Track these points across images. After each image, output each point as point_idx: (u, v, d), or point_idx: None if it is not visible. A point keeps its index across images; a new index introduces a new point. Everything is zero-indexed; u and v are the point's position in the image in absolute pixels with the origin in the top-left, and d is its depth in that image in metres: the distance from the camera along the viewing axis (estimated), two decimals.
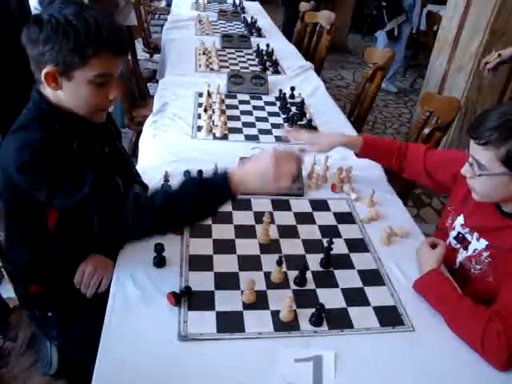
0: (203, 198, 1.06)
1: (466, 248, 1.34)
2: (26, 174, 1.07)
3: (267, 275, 1.24)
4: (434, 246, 1.33)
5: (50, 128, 1.11)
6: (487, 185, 1.20)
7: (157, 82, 3.50)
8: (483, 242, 1.29)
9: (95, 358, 0.98)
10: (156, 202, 1.06)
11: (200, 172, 1.33)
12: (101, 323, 1.06)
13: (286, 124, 2.12)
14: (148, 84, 3.65)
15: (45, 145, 1.07)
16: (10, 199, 1.21)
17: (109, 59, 1.11)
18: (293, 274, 1.25)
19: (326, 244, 1.29)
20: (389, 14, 5.06)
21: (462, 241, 1.35)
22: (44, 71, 1.08)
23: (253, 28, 3.64)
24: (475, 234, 1.32)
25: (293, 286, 1.22)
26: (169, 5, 5.26)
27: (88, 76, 1.10)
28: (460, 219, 1.38)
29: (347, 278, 1.25)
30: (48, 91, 1.14)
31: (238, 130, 2.02)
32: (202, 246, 1.31)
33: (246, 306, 1.14)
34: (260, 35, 3.54)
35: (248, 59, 2.97)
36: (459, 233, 1.37)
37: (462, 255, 1.35)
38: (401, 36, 5.20)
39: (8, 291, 1.52)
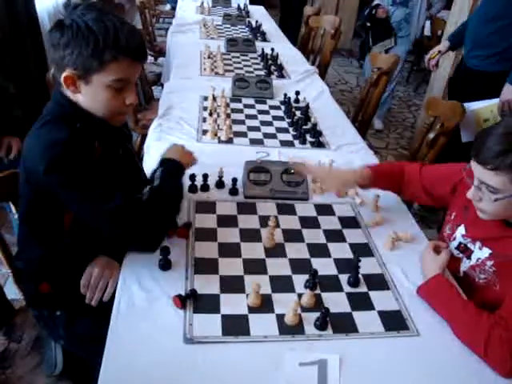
0: (174, 175, 1.30)
1: (468, 257, 1.33)
2: (53, 174, 1.09)
3: (272, 279, 1.24)
4: (437, 250, 1.33)
5: (73, 126, 1.14)
6: (500, 206, 1.17)
7: (161, 85, 3.52)
8: (486, 251, 1.28)
9: (101, 358, 0.99)
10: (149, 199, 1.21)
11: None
12: (108, 323, 1.07)
13: (290, 128, 2.13)
14: (152, 87, 3.66)
15: (70, 144, 1.10)
16: (29, 197, 1.22)
17: (127, 65, 1.14)
18: (298, 278, 1.25)
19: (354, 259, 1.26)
20: (374, 36, 4.27)
21: (465, 250, 1.35)
22: (63, 75, 1.12)
23: (257, 32, 3.66)
24: (478, 243, 1.31)
25: (299, 290, 1.22)
26: (173, 8, 5.29)
27: (106, 80, 1.13)
28: (461, 229, 1.37)
29: (352, 283, 1.26)
30: (68, 93, 1.17)
31: (242, 134, 2.03)
32: (207, 250, 1.32)
33: (251, 310, 1.14)
34: (265, 39, 3.55)
35: (253, 63, 2.98)
36: (461, 243, 1.36)
37: (465, 264, 1.34)
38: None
39: (12, 293, 1.54)
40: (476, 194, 1.20)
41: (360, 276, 1.26)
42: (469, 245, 1.34)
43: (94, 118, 1.19)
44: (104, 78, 1.13)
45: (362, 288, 1.25)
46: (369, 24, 4.24)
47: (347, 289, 1.24)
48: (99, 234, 1.19)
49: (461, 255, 1.36)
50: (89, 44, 1.08)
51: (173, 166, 1.32)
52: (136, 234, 1.17)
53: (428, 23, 5.38)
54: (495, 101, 2.42)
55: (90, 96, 1.16)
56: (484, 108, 2.41)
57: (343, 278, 1.27)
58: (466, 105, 2.37)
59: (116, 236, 1.19)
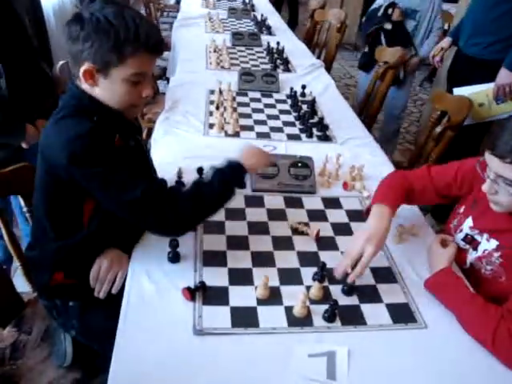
0: (226, 173, 1.22)
1: (475, 248, 1.34)
2: (78, 165, 1.10)
3: (280, 271, 1.25)
4: (444, 243, 1.33)
5: (92, 119, 1.15)
6: None
7: (166, 79, 3.52)
8: (494, 243, 1.29)
9: (113, 349, 1.00)
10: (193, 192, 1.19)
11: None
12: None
13: (297, 122, 2.13)
14: (158, 81, 3.66)
15: (93, 136, 1.11)
16: (49, 190, 1.23)
17: (145, 59, 1.15)
18: (306, 271, 1.26)
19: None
20: (388, 44, 3.11)
21: (471, 241, 1.35)
22: (82, 68, 1.12)
23: (263, 26, 3.65)
24: (485, 235, 1.31)
25: (307, 283, 1.23)
26: (178, 2, 5.27)
27: (124, 74, 1.14)
28: (468, 221, 1.37)
29: (360, 276, 1.26)
30: (85, 86, 1.18)
31: (249, 128, 2.03)
32: (215, 242, 1.33)
33: (260, 302, 1.15)
34: (270, 33, 3.54)
35: (258, 57, 2.98)
36: (467, 234, 1.36)
37: (471, 256, 1.35)
38: (406, 78, 3.37)
39: (21, 286, 1.55)
40: (492, 187, 1.19)
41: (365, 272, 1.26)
42: (476, 236, 1.34)
43: (111, 111, 1.20)
44: (123, 71, 1.14)
45: (370, 281, 1.26)
46: (390, 27, 3.21)
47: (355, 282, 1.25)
48: (116, 225, 1.21)
49: (467, 246, 1.36)
50: (109, 38, 1.08)
51: (231, 166, 1.25)
52: (162, 221, 1.16)
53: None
54: (490, 85, 2.40)
55: (108, 89, 1.17)
56: (478, 93, 2.41)
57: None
58: (457, 89, 2.37)
59: (141, 223, 1.19)
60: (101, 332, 1.22)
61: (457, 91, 2.43)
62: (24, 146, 1.84)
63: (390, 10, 3.18)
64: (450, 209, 1.52)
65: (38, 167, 1.25)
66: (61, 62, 2.16)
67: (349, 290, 1.21)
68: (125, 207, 1.15)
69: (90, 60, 1.12)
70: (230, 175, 1.23)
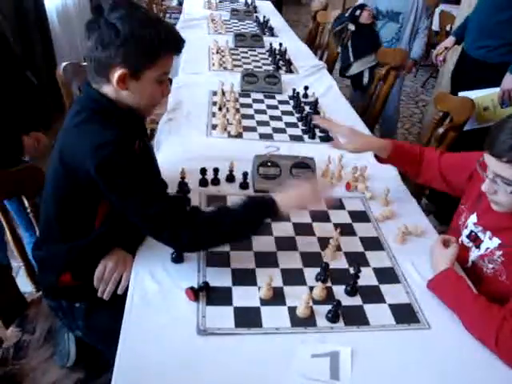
0: (253, 210, 1.22)
1: (478, 246, 1.34)
2: (106, 174, 1.11)
3: (283, 272, 1.25)
4: (446, 243, 1.33)
5: (113, 123, 1.17)
6: None
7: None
8: (496, 241, 1.29)
9: (117, 349, 1.00)
10: (222, 221, 1.19)
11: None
12: None
13: (300, 123, 2.13)
14: None
15: (119, 143, 1.12)
16: (64, 192, 1.23)
17: (170, 58, 1.22)
18: (310, 271, 1.26)
19: (352, 271, 1.24)
20: (355, 48, 3.16)
21: (475, 239, 1.36)
22: (116, 74, 1.13)
23: (265, 27, 3.66)
24: (488, 233, 1.32)
25: (310, 283, 1.23)
26: (180, 4, 5.29)
27: (155, 75, 1.18)
28: (473, 218, 1.38)
29: (363, 276, 1.25)
30: (107, 89, 1.18)
31: (252, 129, 2.03)
32: None
33: (263, 302, 1.15)
34: (272, 34, 3.55)
35: (261, 58, 2.98)
36: (472, 231, 1.37)
37: (474, 254, 1.36)
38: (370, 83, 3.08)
39: (24, 286, 1.55)
40: (491, 187, 1.21)
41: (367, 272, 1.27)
42: (479, 234, 1.35)
43: (131, 113, 1.22)
44: (154, 73, 1.17)
45: (373, 281, 1.26)
46: (353, 28, 3.13)
47: (358, 282, 1.25)
48: (124, 226, 1.22)
49: (470, 244, 1.37)
50: (143, 43, 1.12)
51: (264, 205, 1.23)
52: (177, 238, 1.17)
53: (436, 18, 5.35)
54: (495, 90, 2.40)
55: (138, 91, 1.19)
56: (483, 97, 2.40)
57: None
58: (462, 93, 2.37)
59: (156, 236, 1.20)
60: (106, 333, 1.23)
61: (462, 95, 2.43)
62: (26, 158, 1.84)
63: (357, 12, 3.13)
64: (452, 210, 1.53)
65: (51, 168, 1.24)
66: (64, 64, 2.16)
67: (352, 291, 1.21)
68: (144, 219, 1.16)
69: (122, 65, 1.13)
70: (258, 211, 1.22)
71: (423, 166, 1.56)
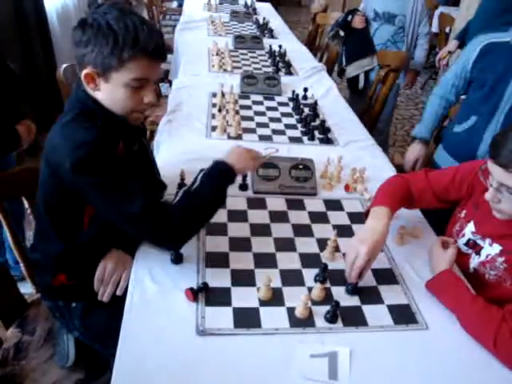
0: (217, 178, 1.24)
1: (477, 253, 1.34)
2: (81, 174, 1.11)
3: (282, 272, 1.26)
4: (445, 245, 1.33)
5: (97, 124, 1.16)
6: None
7: (169, 82, 3.54)
8: (497, 247, 1.29)
9: (115, 349, 1.00)
10: (184, 203, 1.19)
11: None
12: (122, 315, 1.09)
13: (299, 125, 2.13)
14: (160, 84, 3.68)
15: (98, 144, 1.12)
16: (51, 192, 1.24)
17: (145, 64, 1.15)
18: (308, 272, 1.27)
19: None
20: (348, 52, 3.15)
21: (474, 246, 1.35)
22: (84, 72, 1.14)
23: (265, 29, 3.67)
24: (488, 240, 1.32)
25: (309, 284, 1.23)
26: (180, 5, 5.30)
27: (124, 79, 1.15)
28: (470, 226, 1.37)
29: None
30: (89, 90, 1.19)
31: (251, 130, 2.04)
32: (218, 244, 1.34)
33: (262, 303, 1.16)
34: (272, 36, 3.56)
35: (261, 60, 2.99)
36: (470, 239, 1.36)
37: (474, 260, 1.35)
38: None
39: (24, 287, 1.56)
40: (495, 196, 1.19)
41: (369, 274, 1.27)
42: (478, 241, 1.34)
43: (115, 116, 1.21)
44: (123, 76, 1.14)
45: (371, 282, 1.27)
46: (342, 33, 3.14)
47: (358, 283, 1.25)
48: (118, 227, 1.21)
49: (470, 251, 1.36)
50: (108, 42, 1.09)
51: (220, 169, 1.27)
52: (161, 236, 1.18)
53: (436, 19, 5.36)
54: None
55: (109, 94, 1.18)
56: None
57: None
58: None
59: (140, 236, 1.21)
60: (103, 332, 1.23)
61: None
62: (24, 146, 1.86)
63: (349, 17, 3.11)
64: (449, 216, 1.51)
65: (41, 169, 1.25)
66: (64, 65, 2.17)
67: (350, 291, 1.22)
68: (123, 219, 1.16)
69: (91, 64, 1.13)
70: (219, 178, 1.25)
71: (415, 198, 1.44)
